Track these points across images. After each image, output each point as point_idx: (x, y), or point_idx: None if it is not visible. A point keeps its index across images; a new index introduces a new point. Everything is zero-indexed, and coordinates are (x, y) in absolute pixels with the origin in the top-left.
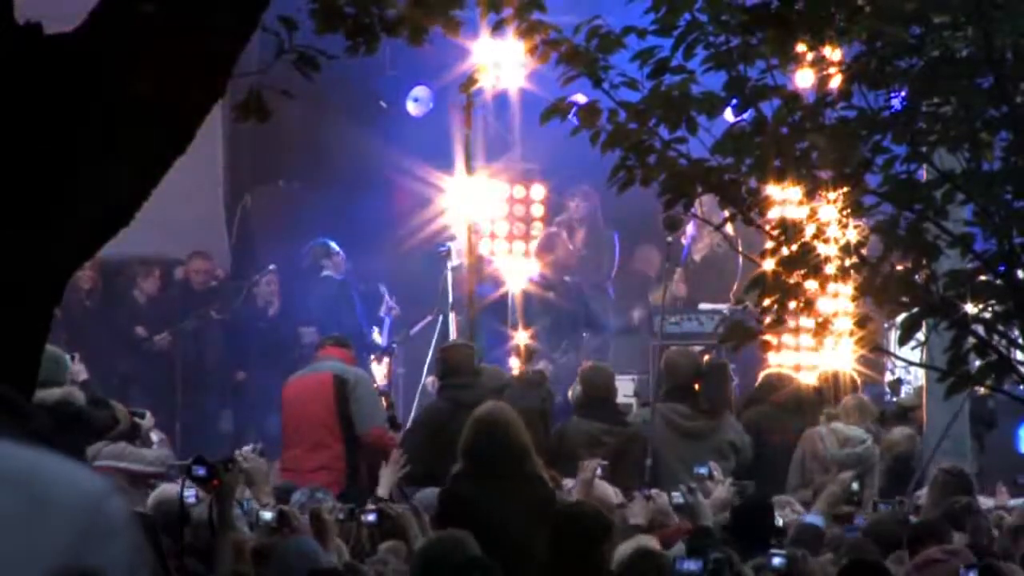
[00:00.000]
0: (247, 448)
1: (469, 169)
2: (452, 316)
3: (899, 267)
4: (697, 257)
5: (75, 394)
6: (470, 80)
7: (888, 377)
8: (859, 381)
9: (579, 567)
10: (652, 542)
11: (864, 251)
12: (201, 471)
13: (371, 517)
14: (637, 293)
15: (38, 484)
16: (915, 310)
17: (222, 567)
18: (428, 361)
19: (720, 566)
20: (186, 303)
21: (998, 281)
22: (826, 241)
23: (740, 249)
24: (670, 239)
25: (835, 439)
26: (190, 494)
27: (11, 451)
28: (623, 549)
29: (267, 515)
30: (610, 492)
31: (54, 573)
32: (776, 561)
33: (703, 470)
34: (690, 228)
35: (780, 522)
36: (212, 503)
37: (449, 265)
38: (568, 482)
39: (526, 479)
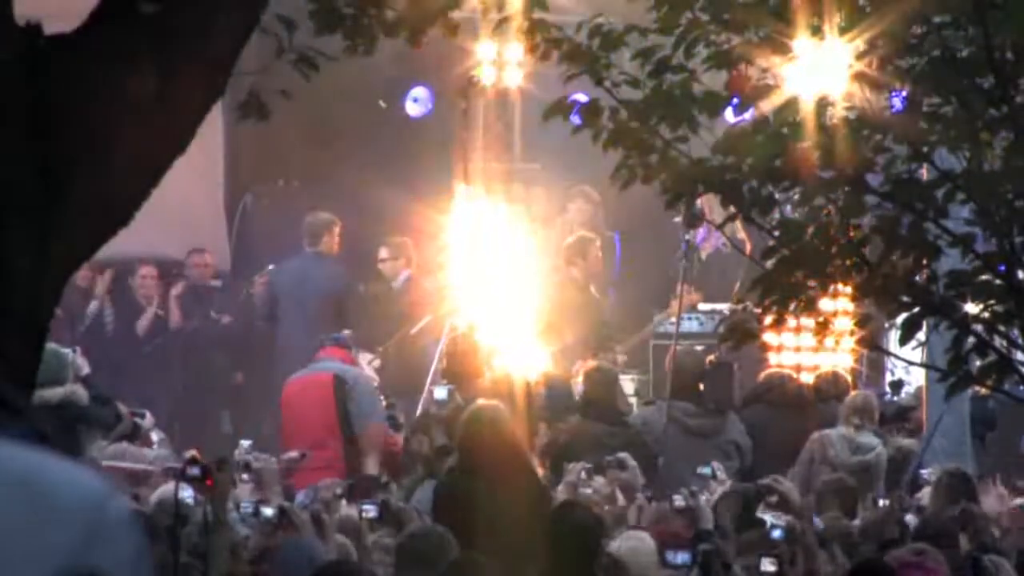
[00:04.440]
0: (293, 454)
1: (467, 172)
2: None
3: (899, 267)
4: (702, 256)
5: (78, 393)
6: (468, 84)
7: (888, 377)
8: (851, 380)
9: (575, 564)
10: (643, 539)
11: (864, 251)
12: (195, 471)
13: (372, 512)
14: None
15: (41, 485)
16: (915, 310)
17: (217, 567)
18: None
19: (709, 558)
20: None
21: (998, 281)
22: (826, 241)
23: (747, 250)
24: (688, 236)
25: (846, 445)
26: (190, 494)
27: (13, 452)
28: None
29: (268, 511)
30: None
31: (57, 573)
32: (776, 533)
33: (706, 470)
34: (701, 229)
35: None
36: (206, 503)
37: (462, 263)
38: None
39: (517, 475)
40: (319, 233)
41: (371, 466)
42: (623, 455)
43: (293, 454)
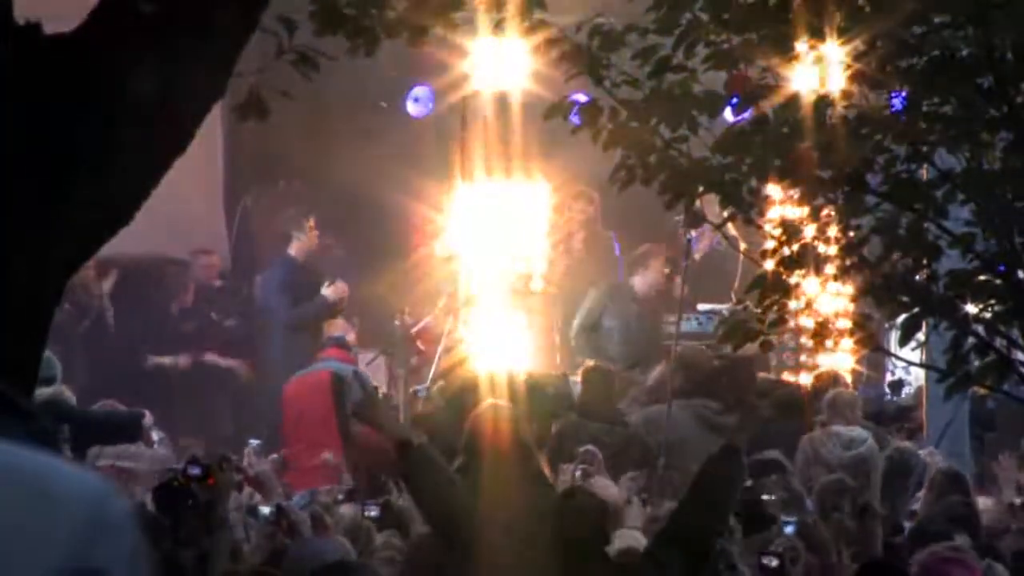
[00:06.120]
0: (274, 457)
1: (468, 171)
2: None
3: (899, 267)
4: (697, 256)
5: (65, 393)
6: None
7: (888, 377)
8: (851, 380)
9: (582, 551)
10: (637, 538)
11: (864, 251)
12: (196, 470)
13: (374, 512)
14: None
15: (42, 484)
16: (915, 310)
17: (216, 566)
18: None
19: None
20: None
21: (998, 281)
22: (826, 241)
23: (741, 249)
24: (689, 237)
25: (838, 441)
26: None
27: (14, 451)
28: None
29: (265, 510)
30: (613, 492)
31: (57, 573)
32: (788, 528)
33: None
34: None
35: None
36: (206, 503)
37: (462, 265)
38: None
39: (525, 477)
40: (286, 236)
41: (362, 478)
42: (591, 447)
43: (274, 456)
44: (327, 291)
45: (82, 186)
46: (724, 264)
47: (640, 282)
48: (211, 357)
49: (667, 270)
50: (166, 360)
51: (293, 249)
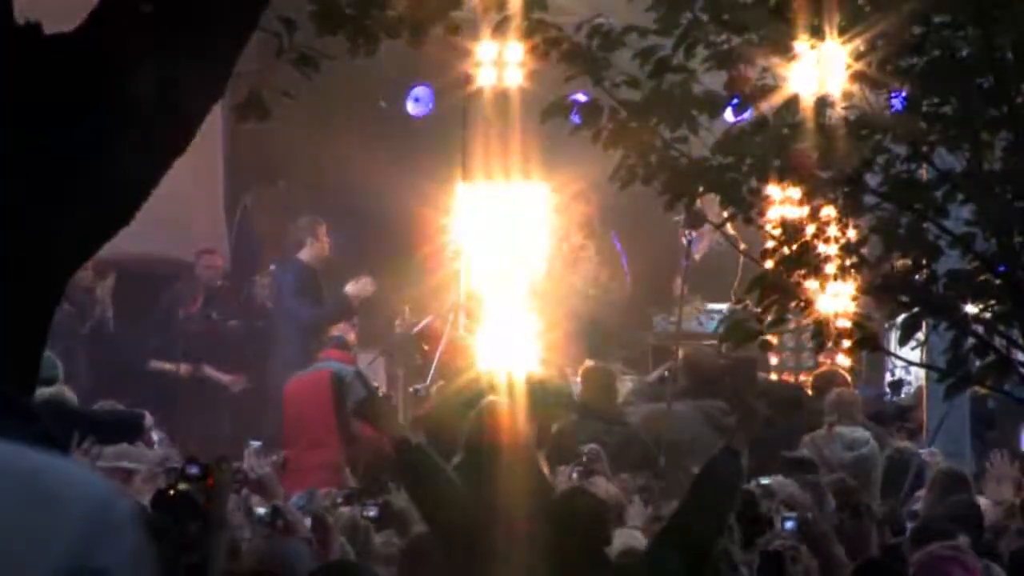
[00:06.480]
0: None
1: (468, 171)
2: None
3: (899, 267)
4: (697, 256)
5: (67, 393)
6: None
7: (888, 377)
8: (851, 380)
9: (581, 551)
10: (636, 538)
11: (864, 251)
12: (195, 470)
13: (372, 512)
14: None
15: (45, 484)
16: (915, 310)
17: (215, 566)
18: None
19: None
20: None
21: (998, 281)
22: (826, 241)
23: (740, 249)
24: (689, 237)
25: (841, 442)
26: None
27: (17, 451)
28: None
29: (261, 510)
30: (612, 490)
31: (60, 573)
32: (788, 524)
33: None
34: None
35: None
36: (206, 502)
37: (462, 263)
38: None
39: (524, 476)
40: (299, 242)
41: (359, 477)
42: (595, 446)
43: (274, 458)
44: (350, 288)
45: (82, 186)
46: (724, 264)
47: (575, 280)
48: (210, 371)
49: (597, 264)
50: (167, 366)
51: (305, 254)
